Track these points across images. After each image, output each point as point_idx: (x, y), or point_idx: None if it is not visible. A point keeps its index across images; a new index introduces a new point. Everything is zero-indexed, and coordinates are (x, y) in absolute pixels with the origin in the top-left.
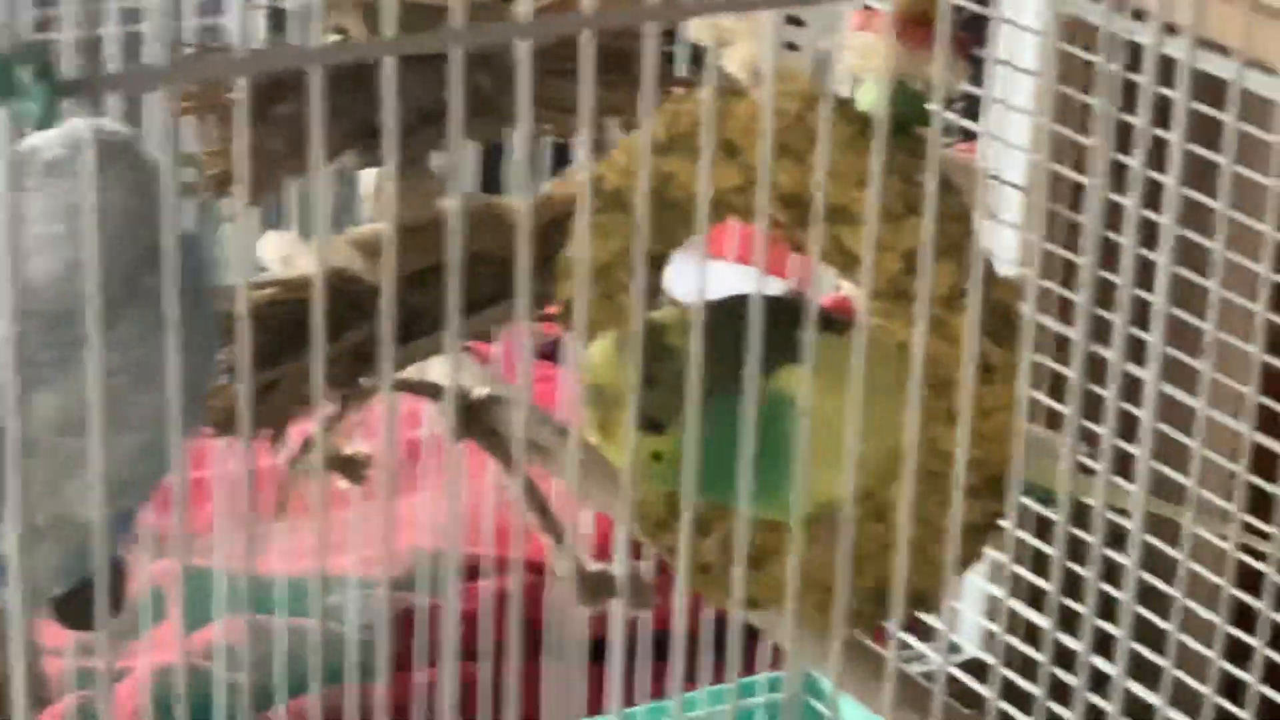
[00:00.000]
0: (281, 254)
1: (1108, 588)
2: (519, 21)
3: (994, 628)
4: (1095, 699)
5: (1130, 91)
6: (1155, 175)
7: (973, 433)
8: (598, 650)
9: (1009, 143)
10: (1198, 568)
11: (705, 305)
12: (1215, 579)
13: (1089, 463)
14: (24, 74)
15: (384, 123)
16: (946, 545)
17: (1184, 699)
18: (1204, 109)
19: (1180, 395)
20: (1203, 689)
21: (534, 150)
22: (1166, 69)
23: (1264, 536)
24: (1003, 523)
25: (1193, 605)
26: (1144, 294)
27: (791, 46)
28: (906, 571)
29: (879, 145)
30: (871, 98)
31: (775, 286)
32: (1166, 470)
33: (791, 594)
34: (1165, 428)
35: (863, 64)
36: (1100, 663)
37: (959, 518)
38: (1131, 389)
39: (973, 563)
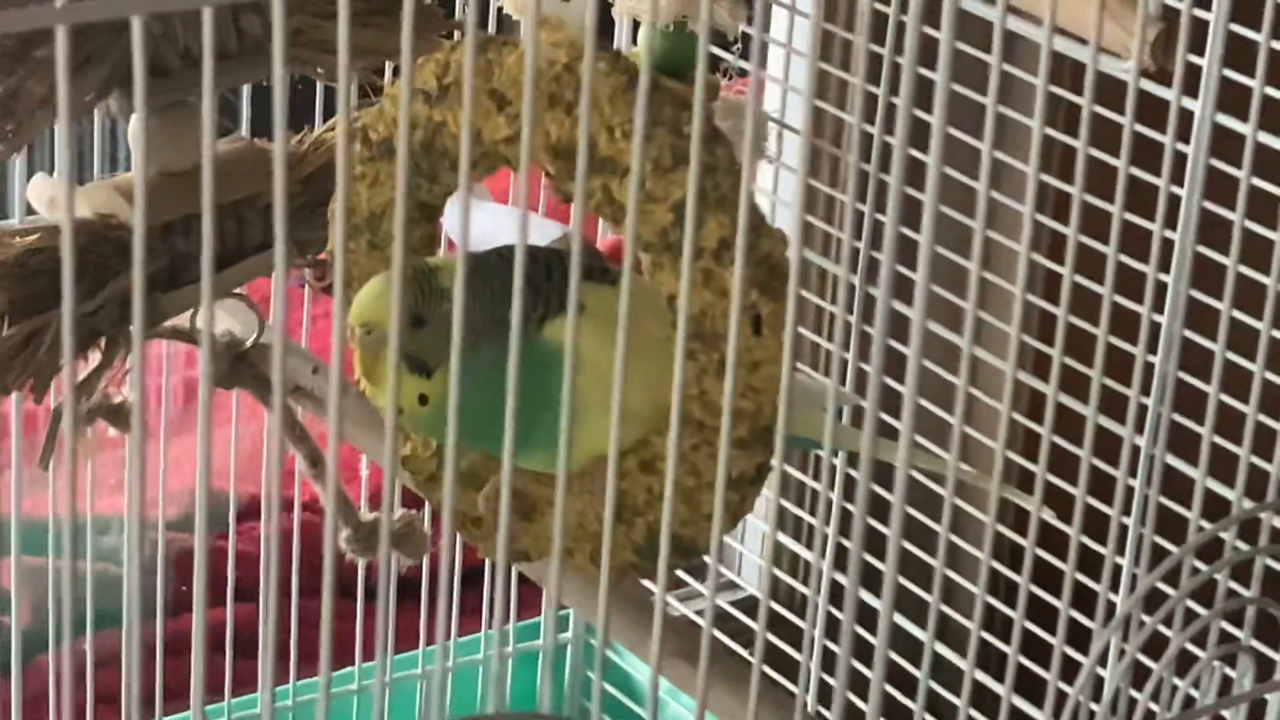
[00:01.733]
0: (48, 198)
1: (875, 524)
2: None
3: (765, 565)
4: (863, 634)
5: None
6: (921, 115)
7: (744, 385)
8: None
9: (790, 86)
10: (969, 508)
11: (483, 254)
12: (983, 517)
13: (890, 421)
14: None
15: (135, 75)
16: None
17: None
18: (969, 50)
19: (952, 337)
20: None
21: (303, 94)
22: (934, 11)
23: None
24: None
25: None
26: (911, 233)
27: None
28: (676, 522)
29: (643, 97)
30: (651, 39)
31: (549, 230)
32: (941, 412)
33: (556, 548)
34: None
35: (636, 6)
36: (869, 598)
37: (724, 469)
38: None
39: (743, 513)
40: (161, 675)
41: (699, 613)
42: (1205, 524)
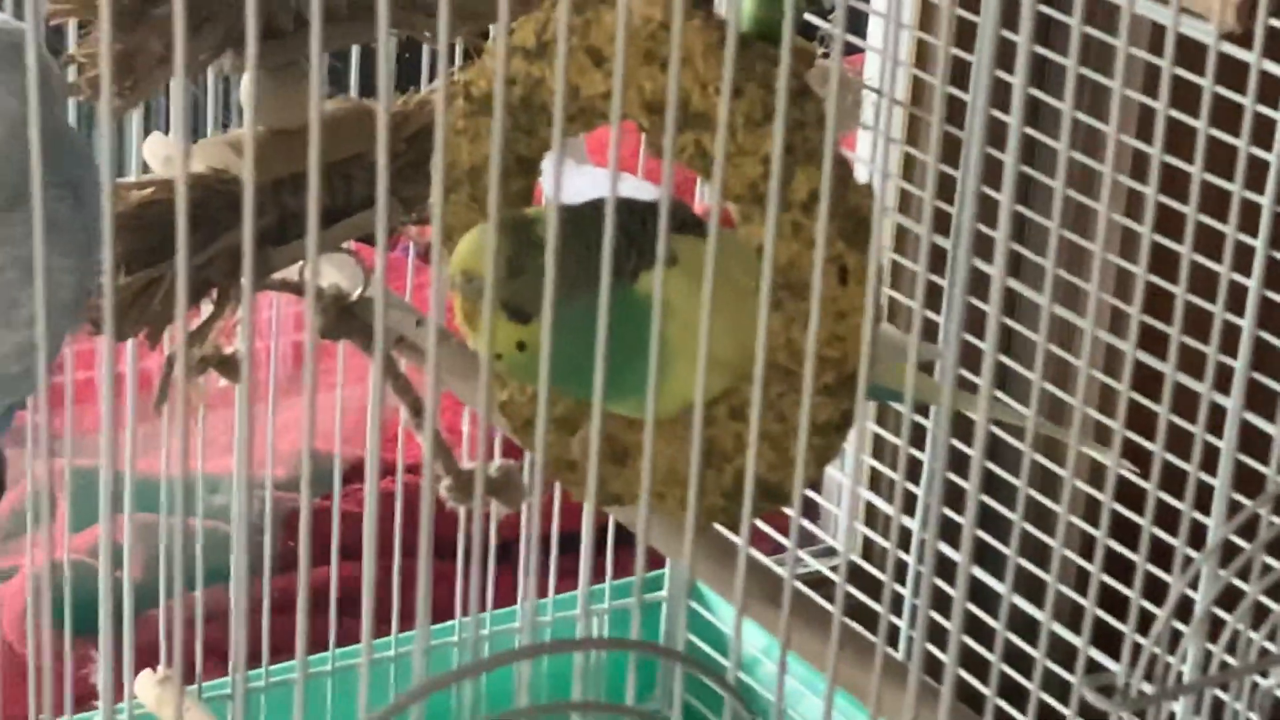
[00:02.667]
0: (164, 154)
1: (988, 500)
2: None
3: (871, 533)
4: (942, 585)
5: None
6: (1041, 96)
7: (829, 334)
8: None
9: (895, 59)
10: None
11: (580, 205)
12: (1062, 472)
13: (970, 376)
14: None
15: (248, 36)
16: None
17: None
18: (1093, 32)
19: (1069, 315)
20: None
21: (410, 56)
22: None
23: (1144, 456)
24: (882, 432)
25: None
26: (1031, 214)
27: None
28: (764, 467)
29: (730, 51)
30: (753, 6)
31: (648, 190)
32: (1051, 388)
33: (644, 489)
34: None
35: None
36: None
37: (806, 414)
38: (1011, 304)
39: (828, 459)
40: (269, 630)
41: (798, 577)
42: None
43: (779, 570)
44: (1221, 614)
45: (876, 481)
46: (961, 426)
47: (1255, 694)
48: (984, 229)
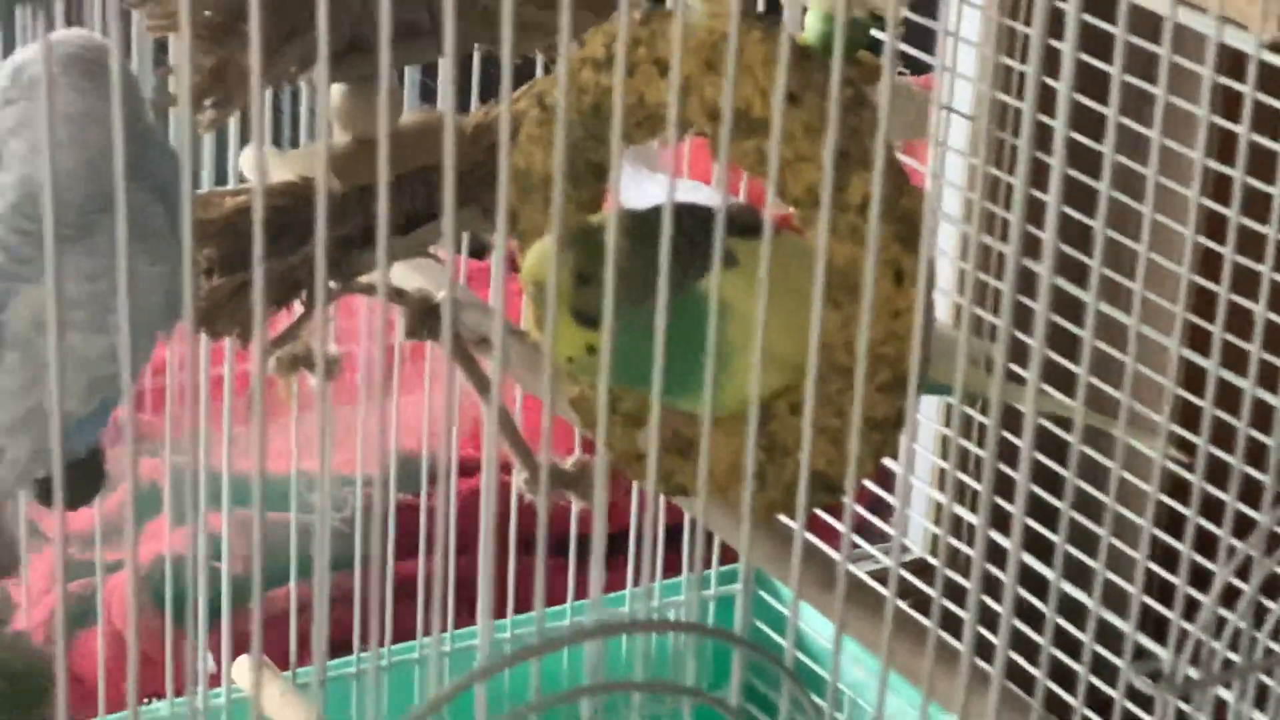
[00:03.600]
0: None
1: (1039, 491)
2: None
3: (937, 530)
4: (1029, 597)
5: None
6: (1090, 104)
7: (885, 333)
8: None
9: (960, 74)
10: (1128, 476)
11: (646, 211)
12: (1144, 486)
13: (1019, 370)
14: None
15: (319, 49)
16: (853, 439)
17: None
18: (1139, 41)
19: (1113, 313)
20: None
21: (493, 69)
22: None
23: (1191, 449)
24: (949, 432)
25: (1124, 511)
26: (1080, 216)
27: None
28: (823, 462)
29: (775, 60)
30: (815, 25)
31: (707, 196)
32: (1099, 383)
33: (701, 481)
34: (1100, 344)
35: None
36: (1030, 560)
37: (859, 410)
38: (1061, 305)
39: (884, 454)
40: (367, 618)
41: (869, 574)
42: None
43: (833, 556)
44: (1267, 602)
45: (943, 480)
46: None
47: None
48: (1031, 229)
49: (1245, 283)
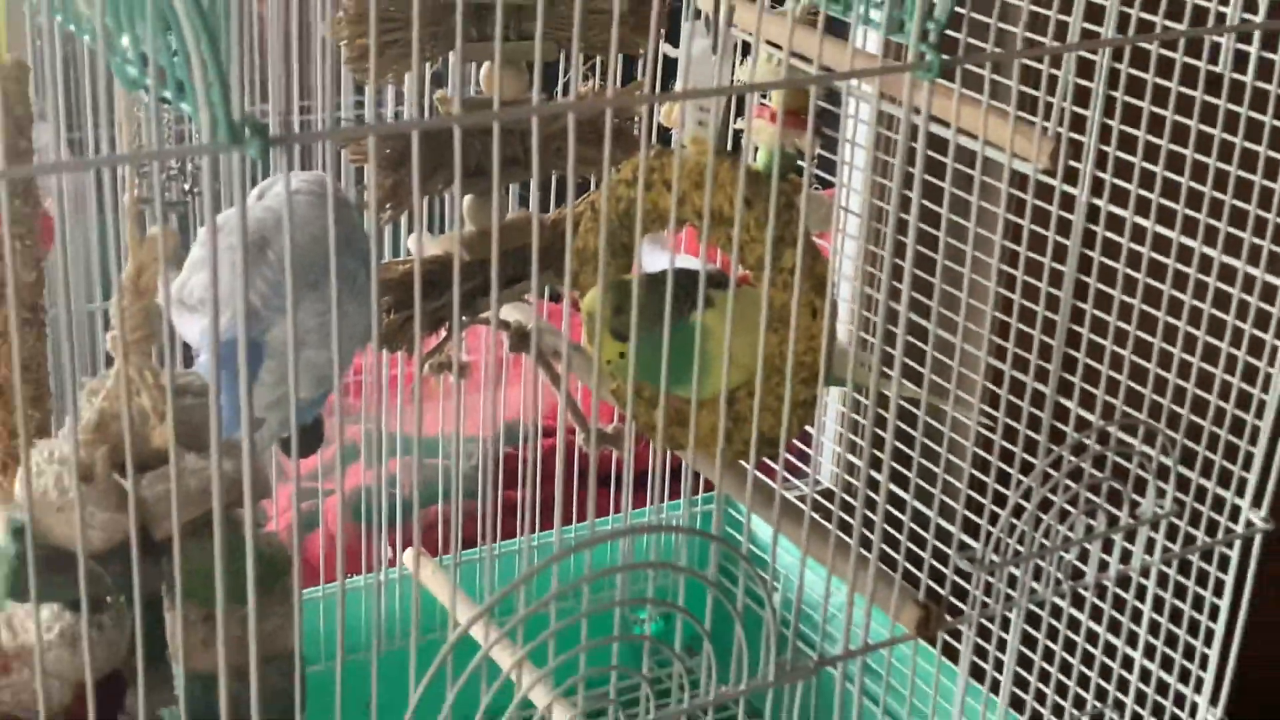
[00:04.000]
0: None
1: (900, 445)
2: (531, 106)
3: (836, 469)
4: (894, 511)
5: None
6: (931, 205)
7: (805, 348)
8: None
9: (852, 189)
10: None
11: (657, 273)
12: (964, 441)
13: (888, 370)
14: (249, 132)
15: (454, 176)
16: (785, 414)
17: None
18: (961, 167)
19: (944, 334)
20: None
21: (557, 185)
22: (941, 145)
23: (994, 419)
24: (844, 408)
25: (952, 458)
26: (924, 274)
27: (703, 124)
28: (767, 428)
29: (737, 180)
30: (763, 156)
31: (695, 264)
32: (937, 379)
33: (691, 439)
34: (938, 355)
35: (759, 138)
36: (895, 489)
37: (789, 396)
38: (914, 329)
39: (805, 422)
40: (484, 525)
41: (795, 497)
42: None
43: (773, 486)
44: (1042, 516)
45: (840, 438)
46: (886, 400)
47: (1061, 563)
48: (895, 284)
49: (1028, 318)
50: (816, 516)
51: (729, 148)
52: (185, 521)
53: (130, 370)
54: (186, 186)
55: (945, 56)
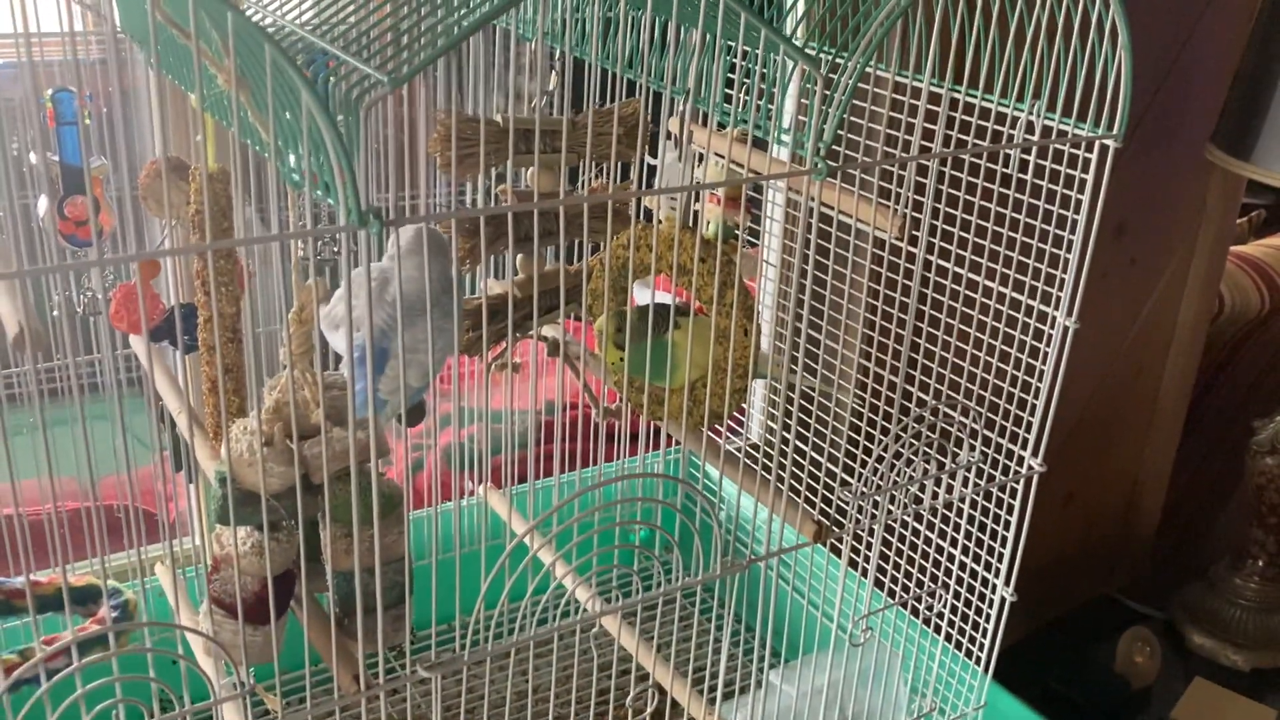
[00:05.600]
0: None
1: (804, 416)
2: (560, 198)
3: (761, 430)
4: (818, 457)
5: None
6: (821, 259)
7: (741, 354)
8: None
9: (770, 248)
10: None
11: (644, 305)
12: (843, 412)
13: (795, 367)
14: (371, 217)
15: (509, 241)
16: (726, 397)
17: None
18: (837, 233)
19: (833, 343)
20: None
21: (577, 247)
22: (828, 220)
23: (863, 399)
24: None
25: (836, 424)
26: (818, 304)
27: (673, 208)
28: (714, 406)
29: (694, 244)
30: (712, 228)
31: (668, 299)
32: (828, 372)
33: (666, 413)
34: (827, 357)
35: (709, 216)
36: (815, 454)
37: (729, 385)
38: (811, 341)
39: (740, 402)
40: (532, 468)
41: (734, 449)
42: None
43: (719, 442)
44: (895, 463)
45: (766, 411)
46: (793, 389)
47: (907, 494)
48: (800, 311)
49: (886, 332)
50: (749, 463)
51: (690, 223)
52: (333, 472)
53: (295, 372)
54: (335, 249)
55: (831, 164)
